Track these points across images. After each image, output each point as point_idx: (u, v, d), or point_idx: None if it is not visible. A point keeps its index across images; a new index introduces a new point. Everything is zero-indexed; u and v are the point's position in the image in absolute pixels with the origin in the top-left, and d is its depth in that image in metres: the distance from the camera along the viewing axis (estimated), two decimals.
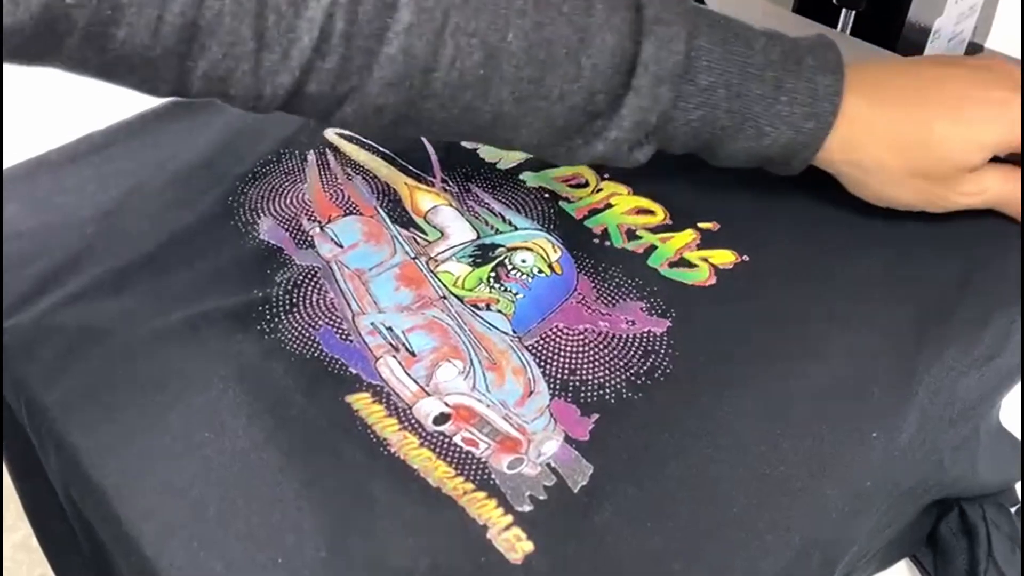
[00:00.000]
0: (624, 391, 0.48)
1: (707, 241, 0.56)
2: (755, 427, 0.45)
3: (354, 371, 0.49)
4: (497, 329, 0.51)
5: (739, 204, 0.58)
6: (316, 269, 0.54)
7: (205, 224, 0.58)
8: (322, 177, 0.61)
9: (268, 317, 0.52)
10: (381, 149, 0.63)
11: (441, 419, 0.46)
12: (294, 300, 0.53)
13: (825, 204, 0.57)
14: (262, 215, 0.58)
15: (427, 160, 0.62)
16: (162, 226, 0.58)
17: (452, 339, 0.50)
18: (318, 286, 0.53)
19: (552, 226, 0.57)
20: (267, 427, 0.46)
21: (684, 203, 0.59)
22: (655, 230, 0.57)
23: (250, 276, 0.54)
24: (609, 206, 0.59)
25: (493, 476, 0.44)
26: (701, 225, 0.57)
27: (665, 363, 0.49)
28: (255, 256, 0.56)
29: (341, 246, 0.56)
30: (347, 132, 0.64)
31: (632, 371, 0.49)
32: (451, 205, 0.59)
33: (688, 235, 0.57)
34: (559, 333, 0.51)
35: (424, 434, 0.46)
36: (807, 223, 0.57)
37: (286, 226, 0.57)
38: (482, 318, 0.52)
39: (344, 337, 0.50)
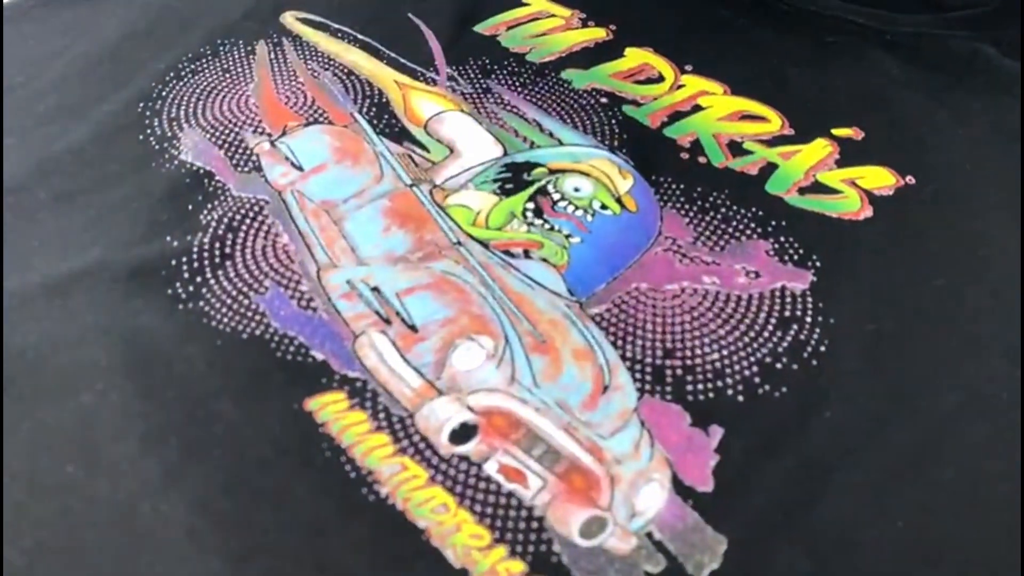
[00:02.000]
0: (757, 381, 0.29)
1: (849, 155, 0.38)
2: (978, 428, 0.27)
3: (319, 356, 0.30)
4: (544, 288, 0.32)
5: (889, 101, 0.40)
6: (263, 203, 0.36)
7: (100, 140, 0.39)
8: (275, 74, 0.42)
9: (186, 276, 0.33)
10: (360, 37, 0.44)
11: (463, 433, 0.28)
12: (227, 249, 0.34)
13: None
14: (185, 126, 0.39)
15: (426, 50, 0.43)
16: (36, 143, 0.39)
17: (474, 304, 0.32)
18: (265, 227, 0.35)
19: (616, 141, 0.38)
20: (171, 459, 0.27)
21: (808, 103, 0.40)
22: (771, 142, 0.38)
23: (161, 214, 0.36)
24: (698, 108, 0.40)
25: (556, 548, 0.25)
26: (837, 132, 0.39)
27: (816, 335, 0.31)
28: (171, 185, 0.37)
29: (300, 168, 0.37)
30: (313, 16, 0.45)
31: (766, 349, 0.30)
32: (462, 110, 0.40)
33: (821, 147, 0.38)
34: (643, 297, 0.32)
35: (435, 461, 0.27)
36: (988, 127, 0.39)
37: (220, 141, 0.38)
38: (519, 271, 0.33)
39: (303, 303, 0.32)
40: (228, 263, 0.33)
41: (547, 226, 0.35)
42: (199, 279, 0.33)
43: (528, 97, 0.41)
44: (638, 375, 0.30)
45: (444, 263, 0.33)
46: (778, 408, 0.29)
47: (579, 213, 0.35)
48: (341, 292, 0.32)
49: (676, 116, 0.40)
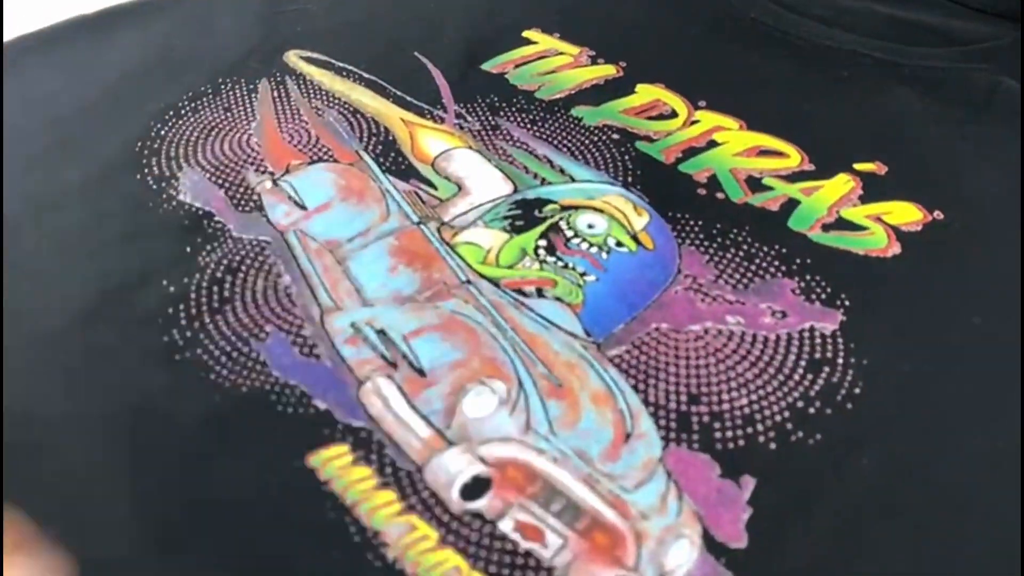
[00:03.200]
0: (790, 428, 0.28)
1: (873, 190, 0.36)
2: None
3: (321, 406, 0.28)
4: (559, 328, 0.31)
5: (911, 134, 0.39)
6: (264, 244, 0.34)
7: (95, 180, 0.38)
8: (279, 112, 0.41)
9: (183, 323, 0.31)
10: (366, 76, 0.43)
11: (476, 488, 0.26)
12: (226, 293, 0.32)
13: None
14: (185, 166, 0.38)
15: (433, 88, 0.42)
16: (31, 182, 0.37)
17: (486, 346, 0.30)
18: (266, 269, 0.33)
19: (630, 178, 0.37)
20: (165, 523, 0.26)
21: (827, 138, 0.39)
22: (791, 178, 0.37)
23: (157, 258, 0.34)
24: (714, 144, 0.39)
25: None
26: (859, 167, 0.37)
27: (849, 377, 0.29)
28: (169, 227, 0.35)
29: (304, 207, 0.36)
30: (318, 55, 0.44)
31: (797, 393, 0.29)
32: (470, 147, 0.39)
33: (843, 182, 0.37)
34: (665, 338, 0.30)
35: (446, 520, 0.26)
36: (1013, 159, 0.38)
37: (221, 180, 0.37)
38: (532, 311, 0.31)
39: (306, 350, 0.30)
40: (227, 307, 0.32)
41: (560, 264, 0.33)
42: (196, 325, 0.31)
43: (538, 134, 0.39)
44: (662, 422, 0.28)
45: (453, 302, 0.32)
46: (813, 456, 0.27)
47: (594, 250, 0.34)
48: (345, 336, 0.31)
49: (691, 152, 0.38)
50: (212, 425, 0.28)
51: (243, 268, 0.33)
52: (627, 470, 0.27)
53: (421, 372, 0.29)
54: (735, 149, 0.38)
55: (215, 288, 0.33)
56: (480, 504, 0.26)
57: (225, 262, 0.33)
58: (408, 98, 0.41)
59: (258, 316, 0.31)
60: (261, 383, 0.29)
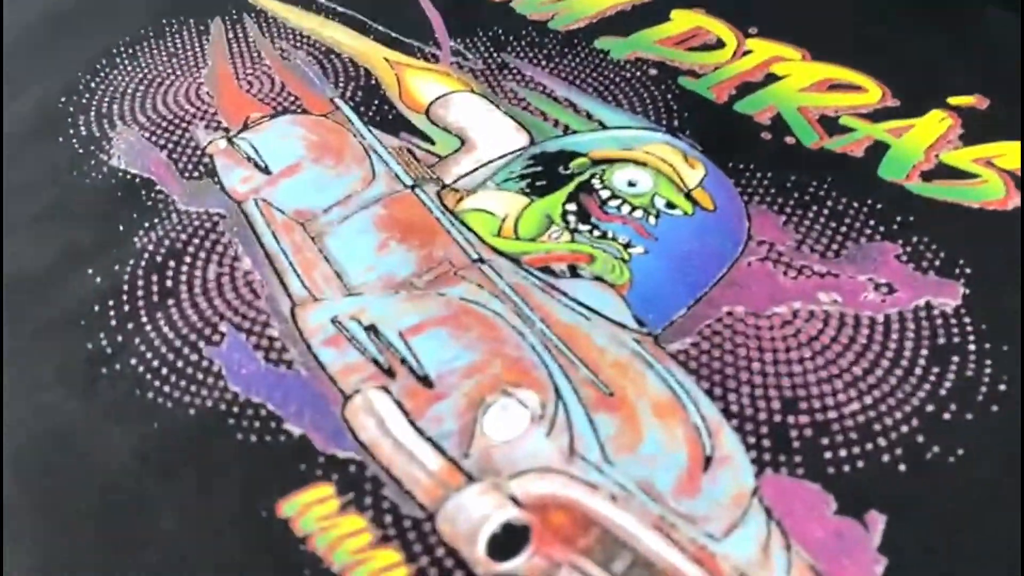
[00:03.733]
0: (921, 441, 0.21)
1: (976, 129, 0.29)
2: None
3: (296, 431, 0.21)
4: (604, 317, 0.24)
5: (1015, 61, 0.31)
6: (217, 219, 0.27)
7: (6, 144, 0.30)
8: (235, 56, 0.33)
9: (113, 324, 0.24)
10: (340, 9, 0.35)
11: (509, 541, 0.19)
12: (169, 283, 0.25)
13: None
14: (119, 124, 0.30)
15: (422, 20, 0.34)
16: None
17: (509, 343, 0.23)
18: (219, 250, 0.26)
19: (676, 121, 0.30)
20: None
21: (911, 67, 0.32)
22: (873, 116, 0.30)
23: (83, 238, 0.27)
24: (774, 78, 0.31)
25: None
26: (954, 102, 0.30)
27: (988, 369, 0.22)
28: (98, 200, 0.28)
29: (266, 170, 0.28)
30: None
31: (923, 393, 0.22)
32: (473, 91, 0.31)
33: (937, 120, 0.30)
34: (742, 326, 0.23)
35: None
36: None
37: (163, 140, 0.30)
38: (566, 295, 0.24)
39: (274, 356, 0.23)
40: (170, 302, 0.25)
41: (597, 233, 0.26)
42: (131, 326, 0.24)
43: (556, 72, 0.32)
44: (751, 439, 0.21)
45: (463, 287, 0.24)
46: (958, 479, 0.20)
47: (638, 215, 0.26)
48: (324, 336, 0.23)
49: (747, 88, 0.31)
50: (148, 462, 0.21)
51: (190, 250, 0.26)
52: (711, 508, 0.20)
53: (426, 381, 0.22)
54: (800, 83, 0.31)
55: (154, 277, 0.25)
56: (516, 564, 0.19)
57: (167, 243, 0.26)
58: (392, 34, 0.34)
59: (210, 312, 0.24)
60: (215, 401, 0.22)
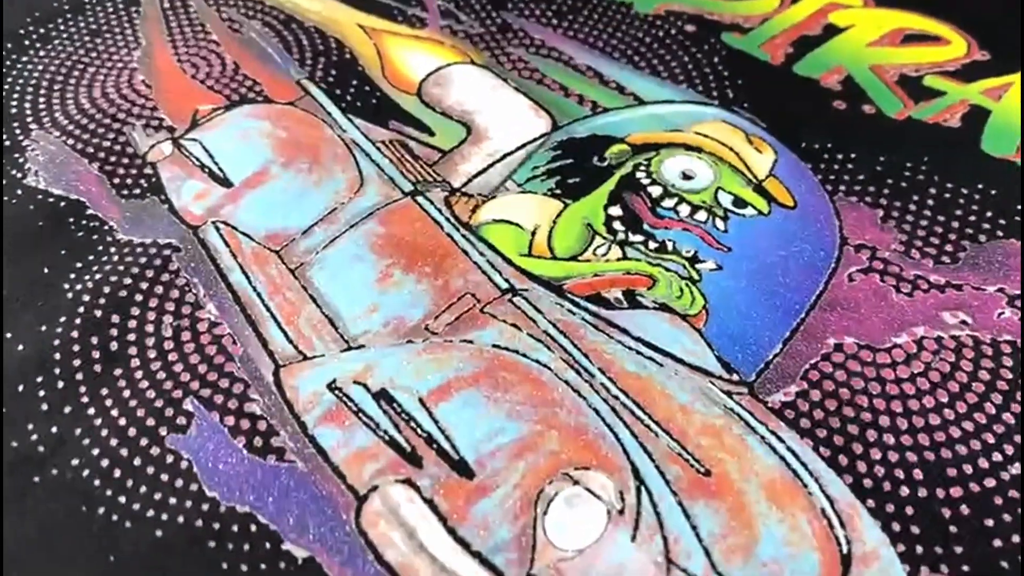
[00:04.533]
0: None
1: None
2: None
3: (296, 551, 0.16)
4: (681, 363, 0.18)
5: None
6: (169, 251, 0.21)
7: None
8: (173, 32, 0.27)
9: (43, 406, 0.19)
10: None
11: None
12: (114, 345, 0.19)
13: None
14: (34, 128, 0.24)
15: None
16: None
17: (564, 406, 0.18)
18: (175, 296, 0.20)
19: (729, 90, 0.24)
20: None
21: (999, 12, 0.26)
22: (963, 74, 0.24)
23: None
24: (834, 30, 0.26)
25: None
26: None
27: None
28: (13, 233, 0.22)
29: (226, 181, 0.22)
30: None
31: None
32: (473, 62, 0.25)
33: None
34: (858, 365, 0.18)
35: None
36: None
37: (92, 148, 0.24)
38: (628, 334, 0.19)
39: (258, 443, 0.18)
40: (117, 372, 0.19)
41: (653, 245, 0.21)
42: (68, 412, 0.18)
43: (569, 32, 0.26)
44: (895, 523, 0.16)
45: (494, 330, 0.19)
46: None
47: (700, 216, 0.21)
48: (322, 410, 0.18)
49: (805, 44, 0.25)
50: None
51: (138, 298, 0.20)
52: None
53: (463, 467, 0.17)
54: (867, 36, 0.26)
55: (94, 339, 0.20)
56: None
57: (108, 289, 0.20)
58: None
59: (170, 385, 0.19)
60: (187, 514, 0.17)
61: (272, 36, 0.27)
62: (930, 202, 0.21)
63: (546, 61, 0.25)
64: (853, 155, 0.22)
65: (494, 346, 0.19)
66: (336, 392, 0.18)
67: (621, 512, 0.16)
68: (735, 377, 0.18)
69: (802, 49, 0.25)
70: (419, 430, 0.18)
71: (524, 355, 0.19)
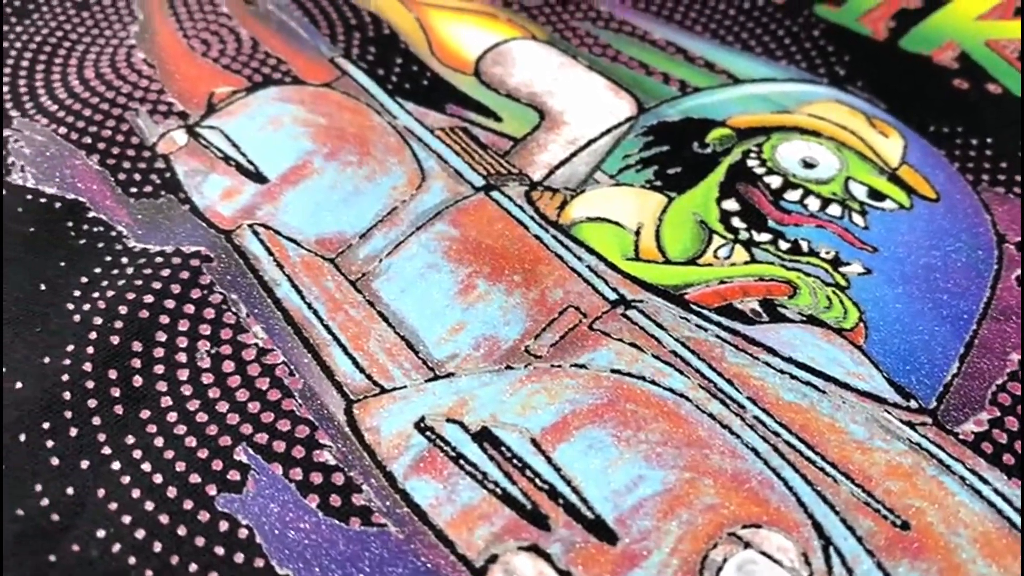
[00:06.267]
0: None
1: None
2: None
3: None
4: (844, 387, 0.15)
5: None
6: (198, 261, 0.17)
7: None
8: (175, 4, 0.23)
9: (53, 460, 0.15)
10: None
11: None
12: (139, 380, 0.15)
13: None
14: (15, 116, 0.20)
15: None
16: None
17: (714, 446, 0.14)
18: (209, 317, 0.16)
19: (838, 68, 0.21)
20: None
21: None
22: None
23: None
24: (935, 2, 0.23)
25: None
26: None
27: None
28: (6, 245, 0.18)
29: (259, 176, 0.19)
30: None
31: None
32: (535, 37, 0.22)
33: None
34: None
35: None
36: None
37: (89, 138, 0.20)
38: (775, 354, 0.16)
39: (335, 502, 0.14)
40: (145, 415, 0.15)
41: (785, 244, 0.17)
42: (86, 468, 0.14)
43: (640, 4, 0.23)
44: None
45: (609, 351, 0.16)
46: None
47: (834, 211, 0.18)
48: (412, 456, 0.14)
49: (907, 17, 0.23)
50: None
51: (163, 320, 0.16)
52: None
53: (602, 529, 0.14)
54: (976, 8, 0.23)
55: (112, 373, 0.16)
56: None
57: (125, 310, 0.16)
58: None
59: (215, 430, 0.15)
60: None
61: (294, 8, 0.23)
62: None
63: (618, 36, 0.22)
64: (989, 140, 0.19)
65: (613, 371, 0.15)
66: (427, 433, 0.15)
67: None
68: (913, 404, 0.15)
69: (905, 23, 0.22)
70: (538, 480, 0.14)
71: (652, 382, 0.15)
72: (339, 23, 0.22)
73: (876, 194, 0.18)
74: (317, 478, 0.14)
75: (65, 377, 0.15)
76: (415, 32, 0.22)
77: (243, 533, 0.14)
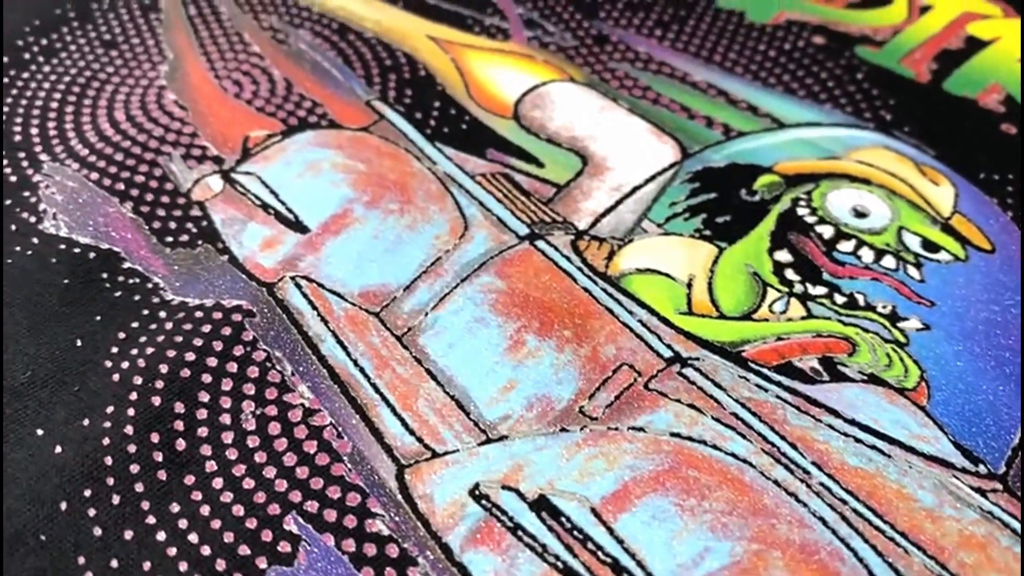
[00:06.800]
0: None
1: None
2: None
3: None
4: (911, 451, 0.15)
5: None
6: (240, 316, 0.17)
7: None
8: (204, 42, 0.23)
9: (96, 531, 0.14)
10: None
11: None
12: (182, 443, 0.15)
13: None
14: (45, 160, 0.20)
15: None
16: None
17: (781, 516, 0.14)
18: (253, 376, 0.16)
19: (883, 112, 0.21)
20: None
21: None
22: None
23: (16, 370, 0.16)
24: (977, 43, 0.23)
25: None
26: None
27: None
28: (31, 295, 0.17)
29: (299, 225, 0.18)
30: None
31: None
32: (572, 80, 0.22)
33: None
34: None
35: None
36: None
37: (121, 184, 0.19)
38: (839, 416, 0.15)
39: (390, 573, 0.13)
40: (189, 481, 0.15)
41: (839, 299, 0.17)
42: (128, 536, 0.14)
43: (678, 45, 0.23)
44: None
45: (667, 412, 0.15)
46: None
47: (889, 263, 0.18)
48: (468, 527, 0.14)
49: (950, 59, 0.22)
50: None
51: (205, 379, 0.16)
52: None
53: None
54: (1017, 50, 0.22)
55: (155, 437, 0.15)
56: None
57: (165, 370, 0.16)
58: (442, 3, 0.24)
59: (262, 497, 0.14)
60: None
61: (327, 48, 0.22)
62: None
63: (657, 77, 0.22)
64: None
65: (672, 434, 0.15)
66: (483, 502, 0.14)
67: None
68: (982, 469, 0.15)
69: (947, 64, 0.22)
70: (600, 553, 0.14)
71: (714, 446, 0.15)
72: (374, 63, 0.22)
73: (930, 245, 0.18)
74: (371, 550, 0.14)
75: (106, 441, 0.15)
76: (452, 74, 0.22)
77: None
